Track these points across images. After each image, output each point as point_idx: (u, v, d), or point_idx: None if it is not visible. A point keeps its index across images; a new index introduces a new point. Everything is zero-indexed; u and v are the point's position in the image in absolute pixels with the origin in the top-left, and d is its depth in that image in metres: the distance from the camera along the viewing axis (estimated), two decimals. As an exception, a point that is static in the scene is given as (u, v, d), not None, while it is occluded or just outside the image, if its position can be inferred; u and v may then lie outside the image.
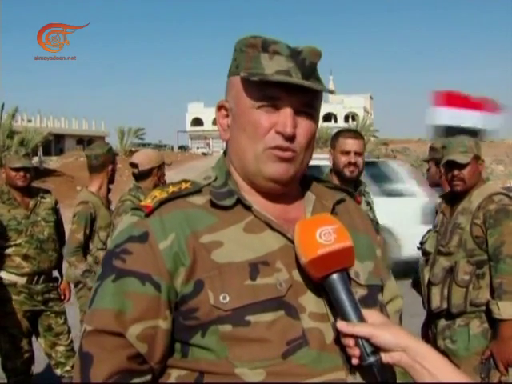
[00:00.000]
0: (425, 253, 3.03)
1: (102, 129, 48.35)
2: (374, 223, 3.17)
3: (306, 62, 1.04)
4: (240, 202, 1.07)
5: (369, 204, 3.24)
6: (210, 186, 1.09)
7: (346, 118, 65.54)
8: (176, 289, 1.00)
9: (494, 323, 2.68)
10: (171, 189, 1.09)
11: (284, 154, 1.05)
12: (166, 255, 1.00)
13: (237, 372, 0.94)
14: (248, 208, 1.06)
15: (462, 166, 2.81)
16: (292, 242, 1.03)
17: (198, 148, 57.98)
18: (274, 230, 1.05)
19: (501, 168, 31.08)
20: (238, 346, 0.95)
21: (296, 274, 1.02)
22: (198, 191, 1.08)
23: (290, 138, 1.04)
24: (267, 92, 1.03)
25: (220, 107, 1.14)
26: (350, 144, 3.13)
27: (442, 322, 2.87)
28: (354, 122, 34.52)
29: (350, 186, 3.15)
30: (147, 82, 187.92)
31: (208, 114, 68.82)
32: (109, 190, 3.99)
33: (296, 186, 1.15)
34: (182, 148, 58.04)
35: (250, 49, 1.06)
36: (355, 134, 3.25)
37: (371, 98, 75.30)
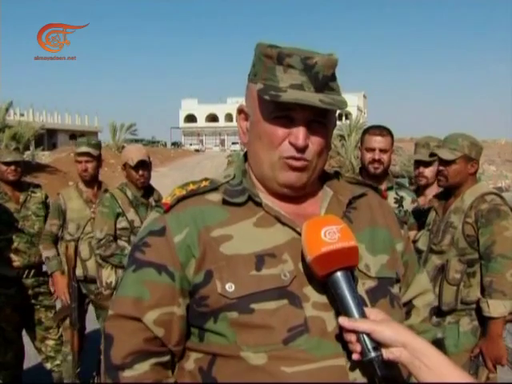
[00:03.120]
0: (417, 251, 3.04)
1: (95, 124, 48.17)
2: (406, 218, 3.18)
3: (320, 76, 1.06)
4: (251, 198, 1.12)
5: (397, 201, 3.22)
6: (227, 183, 1.16)
7: (340, 117, 65.54)
8: (188, 278, 1.08)
9: (484, 321, 2.70)
10: (190, 187, 1.17)
11: (297, 164, 1.10)
12: (179, 248, 1.08)
13: (242, 355, 1.02)
14: (259, 204, 1.12)
15: (446, 163, 2.84)
16: (301, 235, 1.07)
17: (191, 144, 58.01)
18: (283, 224, 1.10)
19: (493, 168, 31.28)
20: (244, 332, 1.02)
21: (303, 266, 1.06)
22: (214, 189, 1.15)
23: (303, 149, 1.08)
24: (281, 104, 1.06)
25: (240, 111, 1.20)
26: (375, 141, 3.16)
27: (433, 319, 2.88)
28: (348, 121, 34.60)
29: (376, 181, 3.17)
30: (141, 77, 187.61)
31: (201, 111, 68.70)
32: (98, 185, 4.00)
33: (313, 184, 1.17)
34: (175, 144, 58.00)
35: (267, 59, 1.09)
36: (381, 130, 3.23)
37: (365, 96, 75.52)
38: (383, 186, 3.21)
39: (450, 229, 2.83)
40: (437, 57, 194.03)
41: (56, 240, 3.91)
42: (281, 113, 1.07)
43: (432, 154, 3.05)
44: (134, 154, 3.56)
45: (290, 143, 1.08)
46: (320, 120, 1.10)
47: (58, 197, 3.95)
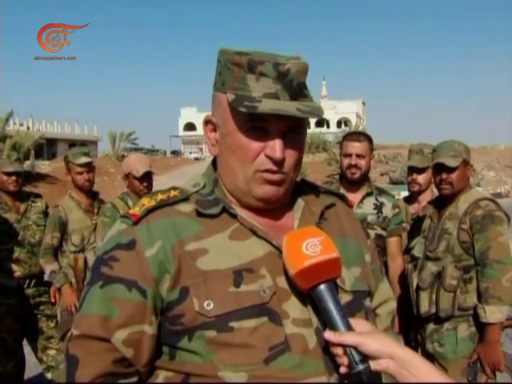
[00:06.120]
0: (413, 258, 3.06)
1: (95, 133, 48.13)
2: (385, 224, 3.20)
3: (294, 83, 1.02)
4: (226, 210, 1.08)
5: (377, 207, 3.23)
6: (197, 193, 1.11)
7: (339, 124, 65.69)
8: (162, 295, 1.02)
9: (481, 327, 2.71)
10: (159, 197, 1.10)
11: (274, 177, 1.05)
12: (151, 263, 1.02)
13: (220, 375, 0.97)
14: (234, 216, 1.07)
15: (450, 170, 2.85)
16: (277, 248, 1.05)
17: (190, 153, 57.98)
18: (259, 237, 1.06)
19: (492, 174, 31.24)
20: (223, 351, 0.98)
21: (280, 281, 1.03)
22: (185, 199, 1.09)
23: (280, 162, 1.04)
24: (256, 115, 1.00)
25: (207, 122, 1.13)
26: (352, 146, 3.18)
27: (431, 326, 2.90)
28: (347, 128, 34.62)
29: (354, 187, 3.23)
30: (140, 86, 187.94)
31: (201, 119, 68.12)
32: (94, 195, 3.98)
33: (287, 195, 1.14)
34: (175, 153, 57.95)
35: (236, 67, 1.03)
36: (358, 136, 3.26)
37: (364, 103, 75.61)
38: (361, 192, 3.24)
39: (446, 235, 2.84)
40: (436, 63, 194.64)
41: (56, 253, 3.85)
42: (255, 124, 1.02)
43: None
44: (139, 164, 3.51)
45: (267, 156, 1.03)
46: (295, 130, 1.05)
47: (57, 209, 3.84)
